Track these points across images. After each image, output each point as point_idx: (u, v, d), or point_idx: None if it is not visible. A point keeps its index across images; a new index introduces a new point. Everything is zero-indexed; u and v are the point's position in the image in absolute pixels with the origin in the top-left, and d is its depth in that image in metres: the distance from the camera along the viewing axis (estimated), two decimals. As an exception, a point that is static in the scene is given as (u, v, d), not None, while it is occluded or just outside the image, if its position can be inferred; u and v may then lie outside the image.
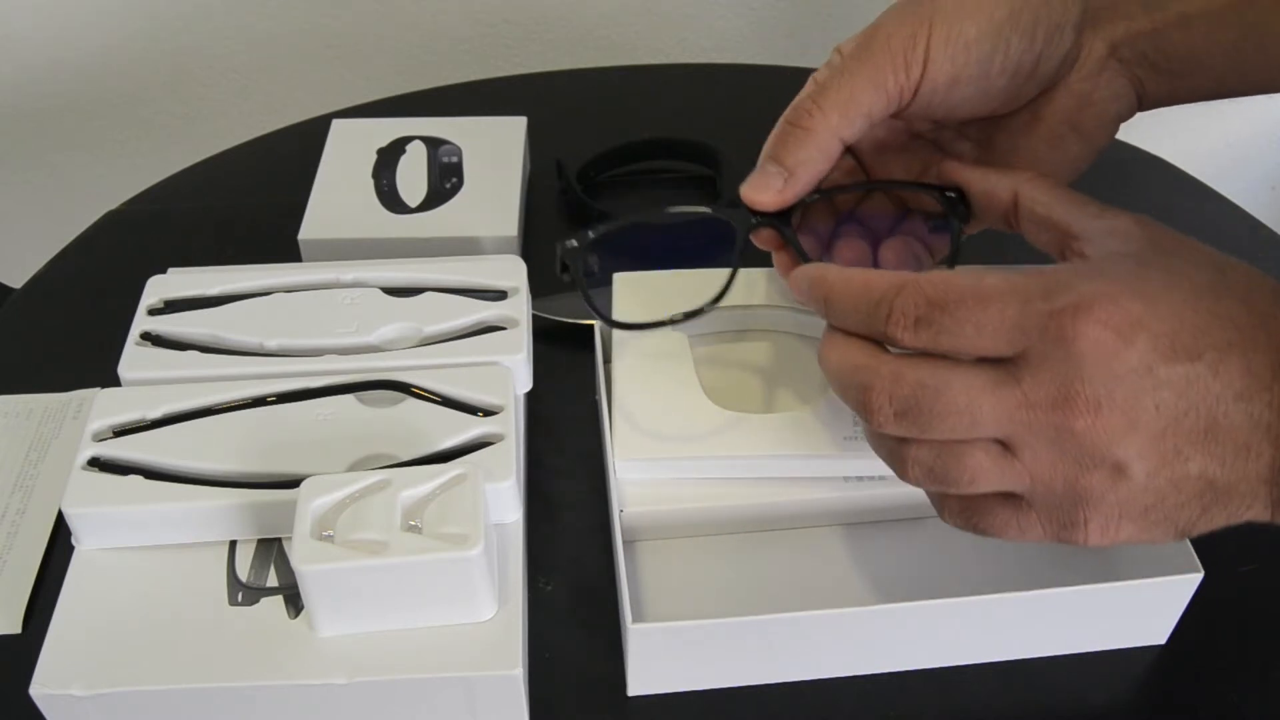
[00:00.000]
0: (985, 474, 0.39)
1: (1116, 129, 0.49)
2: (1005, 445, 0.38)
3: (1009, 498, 0.40)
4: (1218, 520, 0.38)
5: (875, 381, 0.39)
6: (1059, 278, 0.38)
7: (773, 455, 0.49)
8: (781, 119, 0.46)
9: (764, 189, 0.46)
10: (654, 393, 0.51)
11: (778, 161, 0.46)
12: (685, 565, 0.51)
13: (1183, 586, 0.46)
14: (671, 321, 0.48)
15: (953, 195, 0.47)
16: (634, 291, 0.54)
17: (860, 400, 0.40)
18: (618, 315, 0.54)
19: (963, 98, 0.46)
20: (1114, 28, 0.47)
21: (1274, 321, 0.37)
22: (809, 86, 0.46)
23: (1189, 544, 0.47)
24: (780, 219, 0.47)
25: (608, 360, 0.54)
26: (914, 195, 0.50)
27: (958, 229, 0.47)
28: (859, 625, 0.46)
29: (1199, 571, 0.46)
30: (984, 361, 0.38)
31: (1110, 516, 0.38)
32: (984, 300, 0.37)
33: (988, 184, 0.46)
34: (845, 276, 0.41)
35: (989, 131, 0.49)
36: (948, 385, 0.38)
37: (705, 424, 0.50)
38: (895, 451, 0.41)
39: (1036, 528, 0.40)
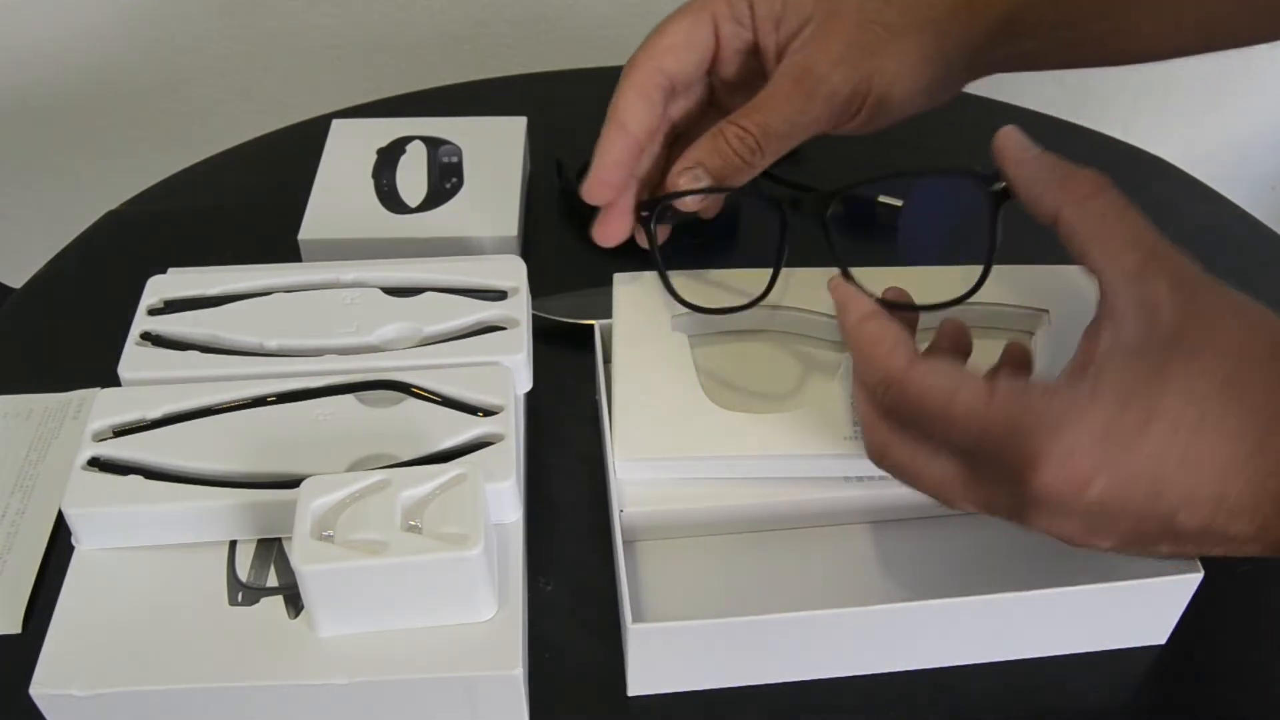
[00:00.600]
0: (952, 504, 0.42)
1: None
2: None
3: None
4: (1188, 550, 0.40)
5: (867, 435, 0.44)
6: (1029, 418, 0.37)
7: (773, 455, 0.49)
8: (725, 139, 0.50)
9: (695, 195, 0.51)
10: (654, 393, 0.51)
11: (712, 175, 0.51)
12: (685, 565, 0.51)
13: (1183, 586, 0.46)
14: (740, 308, 0.51)
15: (999, 191, 0.45)
16: (633, 294, 0.55)
17: (860, 415, 0.45)
18: (617, 310, 0.54)
19: (885, 119, 0.52)
20: (989, 56, 0.51)
21: (1270, 441, 0.36)
22: (752, 118, 0.51)
23: None
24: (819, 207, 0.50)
25: (608, 360, 0.54)
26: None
27: (995, 224, 0.46)
28: (859, 625, 0.46)
29: (1199, 571, 0.46)
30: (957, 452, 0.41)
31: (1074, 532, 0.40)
32: (953, 421, 0.39)
33: (1032, 193, 0.43)
34: (855, 325, 0.44)
35: None
36: (919, 475, 0.42)
37: (705, 424, 0.50)
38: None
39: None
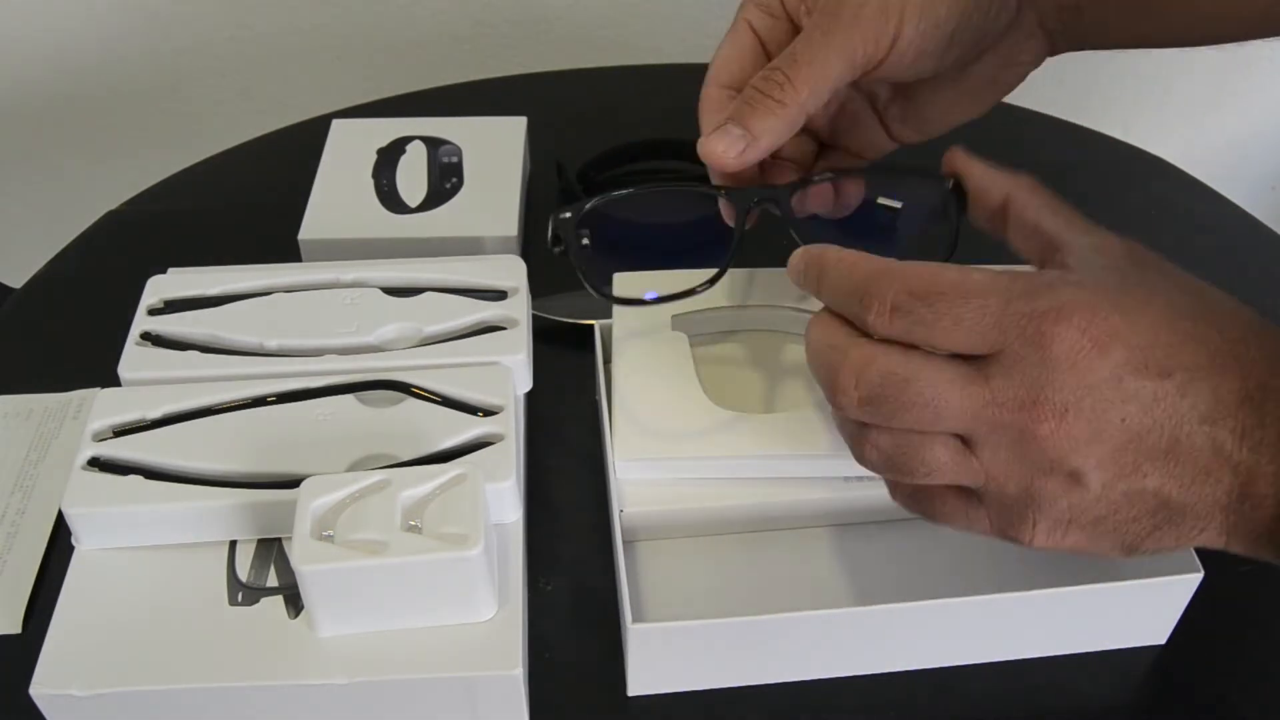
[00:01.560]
0: (942, 468, 0.39)
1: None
2: (965, 441, 0.39)
3: (962, 490, 0.40)
4: (1167, 541, 0.38)
5: (844, 363, 0.39)
6: (1044, 279, 0.38)
7: (773, 455, 0.49)
8: (751, 84, 0.47)
9: (726, 146, 0.47)
10: (654, 392, 0.51)
11: (743, 125, 0.47)
12: (685, 565, 0.51)
13: (1182, 586, 0.46)
14: (669, 298, 0.49)
15: (953, 186, 0.47)
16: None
17: (828, 380, 0.40)
18: (617, 310, 0.54)
19: (920, 68, 0.48)
20: (1044, 3, 0.50)
21: (1245, 349, 0.37)
22: (782, 57, 0.47)
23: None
24: (778, 199, 0.48)
25: (608, 360, 0.54)
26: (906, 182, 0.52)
27: (955, 220, 0.47)
28: (858, 625, 0.46)
29: (1199, 571, 0.46)
30: (956, 357, 0.38)
31: (1059, 522, 0.38)
32: (965, 295, 0.37)
33: (984, 181, 0.46)
34: (839, 257, 0.41)
35: (915, 87, 0.51)
36: (916, 376, 0.38)
37: (705, 424, 0.50)
38: (856, 434, 0.41)
39: (984, 522, 0.40)
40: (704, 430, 0.50)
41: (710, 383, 0.52)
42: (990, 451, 0.38)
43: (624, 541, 0.49)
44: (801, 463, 0.49)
